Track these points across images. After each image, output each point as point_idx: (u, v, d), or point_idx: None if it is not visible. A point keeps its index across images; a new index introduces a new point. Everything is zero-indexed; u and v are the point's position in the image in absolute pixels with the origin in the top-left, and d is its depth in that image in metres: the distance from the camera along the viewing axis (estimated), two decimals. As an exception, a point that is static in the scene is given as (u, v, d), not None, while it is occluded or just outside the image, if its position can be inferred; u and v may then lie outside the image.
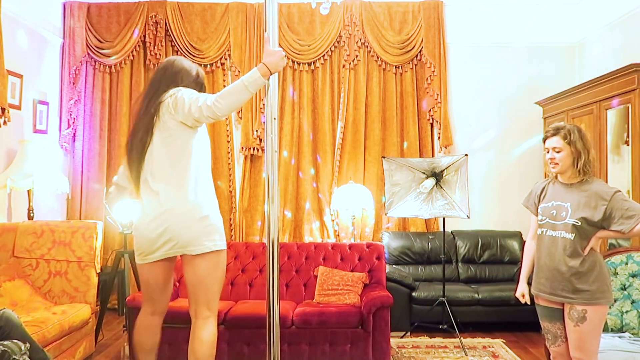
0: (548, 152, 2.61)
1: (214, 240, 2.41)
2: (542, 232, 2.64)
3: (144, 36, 5.59)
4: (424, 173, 4.54)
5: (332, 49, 5.63)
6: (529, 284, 2.76)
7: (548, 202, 2.65)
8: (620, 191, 2.53)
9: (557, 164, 2.58)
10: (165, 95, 2.44)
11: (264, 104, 5.57)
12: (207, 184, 2.44)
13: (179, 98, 2.40)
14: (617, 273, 3.18)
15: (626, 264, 3.18)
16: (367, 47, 5.63)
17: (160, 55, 5.56)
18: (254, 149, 5.57)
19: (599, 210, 2.49)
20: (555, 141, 2.57)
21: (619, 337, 3.02)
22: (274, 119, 2.19)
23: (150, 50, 5.56)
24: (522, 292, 2.76)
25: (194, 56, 5.56)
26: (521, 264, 2.87)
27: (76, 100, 5.50)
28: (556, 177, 2.68)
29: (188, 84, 2.53)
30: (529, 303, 2.74)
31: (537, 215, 2.72)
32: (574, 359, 2.55)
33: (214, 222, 2.42)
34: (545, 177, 2.83)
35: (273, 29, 2.23)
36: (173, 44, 5.61)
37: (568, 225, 2.53)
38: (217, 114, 2.29)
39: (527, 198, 2.83)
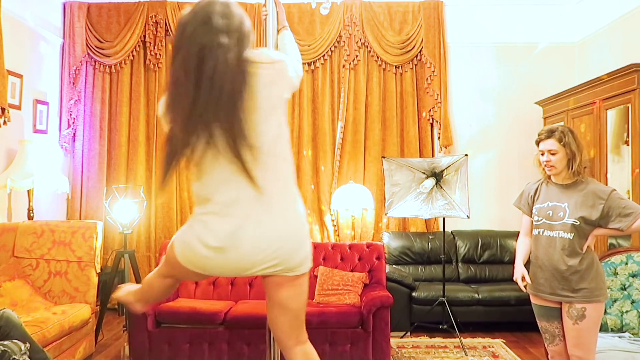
0: (543, 155, 2.62)
1: None
2: (539, 232, 2.65)
3: (144, 36, 5.59)
4: (424, 173, 4.54)
5: (332, 49, 5.63)
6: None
7: (543, 202, 2.66)
8: (616, 190, 2.57)
9: (553, 166, 2.59)
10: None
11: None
12: None
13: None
14: (617, 273, 3.18)
15: (626, 264, 3.18)
16: (367, 47, 5.63)
17: (160, 55, 5.56)
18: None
19: (596, 209, 2.52)
20: (551, 144, 2.58)
21: (619, 337, 3.02)
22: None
23: (150, 50, 5.56)
24: (521, 273, 2.67)
25: (194, 56, 5.56)
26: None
27: (76, 100, 5.50)
28: (549, 177, 2.69)
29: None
30: (530, 282, 2.65)
31: (530, 216, 2.74)
32: (572, 356, 2.57)
33: None
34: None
35: (273, 29, 2.23)
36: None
37: (567, 225, 2.54)
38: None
39: (518, 199, 2.85)
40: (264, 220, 1.75)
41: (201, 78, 1.67)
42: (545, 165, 2.63)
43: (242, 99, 1.69)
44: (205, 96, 1.67)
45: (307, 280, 1.89)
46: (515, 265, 2.75)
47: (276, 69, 1.79)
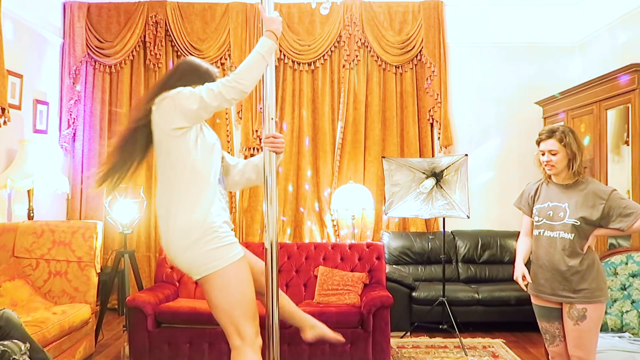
0: (543, 155, 2.62)
1: None
2: (540, 233, 2.64)
3: (144, 36, 5.59)
4: (424, 173, 4.54)
5: (332, 49, 5.63)
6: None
7: (543, 203, 2.65)
8: (616, 190, 2.56)
9: (553, 166, 2.59)
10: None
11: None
12: None
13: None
14: (617, 273, 3.18)
15: (626, 264, 3.18)
16: (367, 47, 5.63)
17: (160, 55, 5.56)
18: (254, 149, 5.57)
19: (597, 209, 2.51)
20: (551, 144, 2.57)
21: (619, 337, 3.02)
22: (271, 119, 2.19)
23: (150, 50, 5.56)
24: (522, 272, 2.64)
25: (194, 56, 5.55)
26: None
27: (76, 100, 5.50)
28: (550, 178, 2.68)
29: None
30: (530, 281, 2.65)
31: (530, 216, 2.73)
32: (573, 357, 2.56)
33: None
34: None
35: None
36: (173, 44, 5.61)
37: (567, 225, 2.54)
38: (244, 91, 2.14)
39: (519, 199, 2.84)
40: (161, 229, 2.21)
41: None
42: (545, 165, 2.62)
43: (138, 138, 2.25)
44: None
45: (213, 289, 2.13)
46: (516, 264, 2.73)
47: (160, 108, 2.18)
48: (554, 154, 2.57)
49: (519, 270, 2.67)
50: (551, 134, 2.59)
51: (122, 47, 5.52)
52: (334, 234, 5.58)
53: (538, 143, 2.64)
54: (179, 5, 5.62)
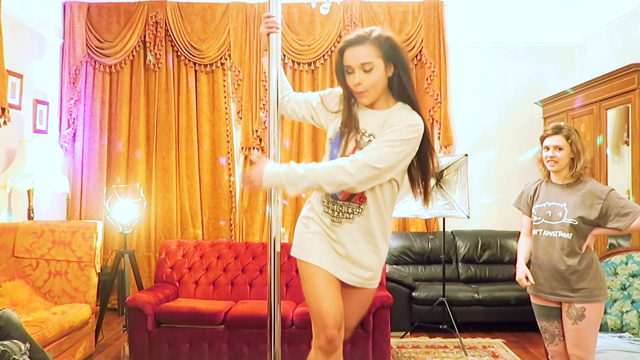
0: (547, 150, 2.63)
1: None
2: (538, 232, 2.65)
3: (144, 36, 5.59)
4: (424, 173, 4.54)
5: (332, 49, 5.63)
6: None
7: (542, 202, 2.67)
8: (614, 190, 2.57)
9: (556, 162, 2.60)
10: None
11: (264, 104, 5.58)
12: None
13: None
14: (617, 273, 3.18)
15: (626, 264, 3.18)
16: (367, 47, 5.62)
17: (160, 55, 5.56)
18: (254, 148, 5.57)
19: (595, 208, 2.52)
20: (557, 140, 2.60)
21: (619, 337, 3.02)
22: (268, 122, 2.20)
23: (150, 50, 5.56)
24: (524, 273, 2.66)
25: (194, 56, 5.56)
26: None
27: (76, 100, 5.50)
28: (549, 177, 2.70)
29: None
30: (533, 282, 2.65)
31: (530, 216, 2.74)
32: (572, 356, 2.57)
33: None
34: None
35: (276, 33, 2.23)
36: (173, 44, 5.60)
37: (565, 225, 2.55)
38: None
39: (518, 199, 2.85)
40: None
41: None
42: (548, 161, 2.63)
43: None
44: None
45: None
46: (517, 265, 2.75)
47: None
48: (559, 150, 2.59)
49: (521, 271, 2.69)
50: (558, 130, 2.62)
51: (122, 47, 5.52)
52: (334, 234, 5.56)
53: (543, 139, 2.66)
54: (179, 5, 5.62)
